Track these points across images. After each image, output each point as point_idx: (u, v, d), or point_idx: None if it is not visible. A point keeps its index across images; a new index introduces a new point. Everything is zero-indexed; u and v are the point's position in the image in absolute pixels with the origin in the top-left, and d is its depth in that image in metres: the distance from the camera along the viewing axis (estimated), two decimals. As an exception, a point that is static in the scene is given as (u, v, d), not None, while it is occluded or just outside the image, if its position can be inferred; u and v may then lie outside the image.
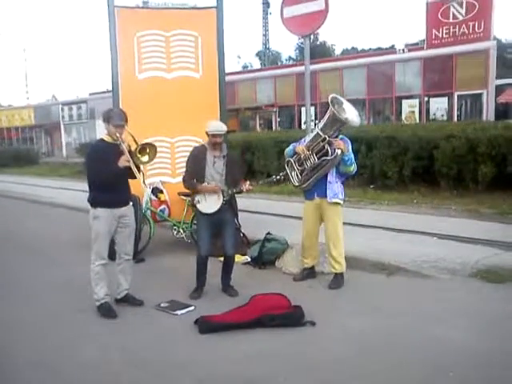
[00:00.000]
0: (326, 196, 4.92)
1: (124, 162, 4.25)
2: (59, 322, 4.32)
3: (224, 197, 4.75)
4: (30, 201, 12.95)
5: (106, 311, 4.40)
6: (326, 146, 4.72)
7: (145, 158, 4.38)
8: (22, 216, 10.81)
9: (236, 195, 5.00)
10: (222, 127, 4.78)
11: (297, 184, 5.09)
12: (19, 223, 9.66)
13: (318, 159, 4.79)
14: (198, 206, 4.80)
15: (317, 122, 20.96)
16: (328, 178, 4.91)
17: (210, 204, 4.76)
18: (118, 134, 4.31)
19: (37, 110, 37.51)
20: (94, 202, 4.39)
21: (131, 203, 6.32)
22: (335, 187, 4.93)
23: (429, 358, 3.43)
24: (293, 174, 5.09)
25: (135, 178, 4.42)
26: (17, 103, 55.25)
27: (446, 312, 4.23)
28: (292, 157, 5.09)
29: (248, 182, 4.84)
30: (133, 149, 4.37)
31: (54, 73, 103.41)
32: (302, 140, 5.16)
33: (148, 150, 4.38)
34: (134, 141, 4.44)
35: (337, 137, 4.81)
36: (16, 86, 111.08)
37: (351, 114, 4.73)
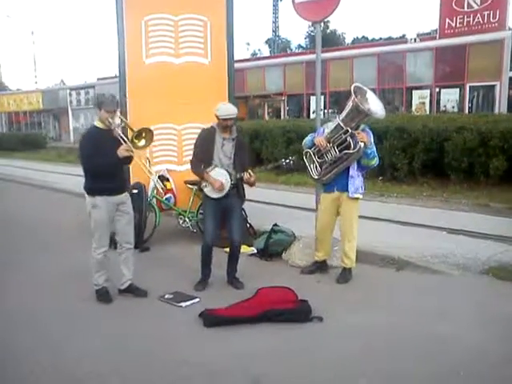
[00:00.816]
0: (346, 190, 4.75)
1: (124, 151, 4.16)
2: (60, 311, 4.26)
3: (231, 180, 4.62)
4: (37, 186, 12.91)
5: (102, 296, 4.45)
6: (349, 139, 4.54)
7: (141, 143, 4.28)
8: (27, 201, 10.77)
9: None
10: (234, 111, 4.61)
11: (316, 177, 4.89)
12: (22, 208, 9.63)
13: (340, 152, 4.60)
14: (205, 189, 4.69)
15: (325, 111, 20.81)
16: (350, 173, 4.72)
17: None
18: (110, 120, 4.21)
19: (45, 94, 37.42)
20: (91, 190, 4.32)
21: (136, 190, 6.34)
22: (357, 182, 4.77)
23: (438, 356, 3.34)
24: (312, 166, 4.89)
25: (129, 163, 4.36)
26: (25, 87, 55.35)
27: (456, 309, 4.13)
28: (311, 148, 4.88)
29: (249, 171, 4.60)
30: (129, 136, 4.27)
31: (63, 57, 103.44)
32: (321, 130, 4.95)
33: (144, 135, 4.27)
34: (128, 126, 4.34)
35: (358, 127, 4.61)
36: (24, 69, 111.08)
37: (375, 106, 4.52)
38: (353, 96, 4.42)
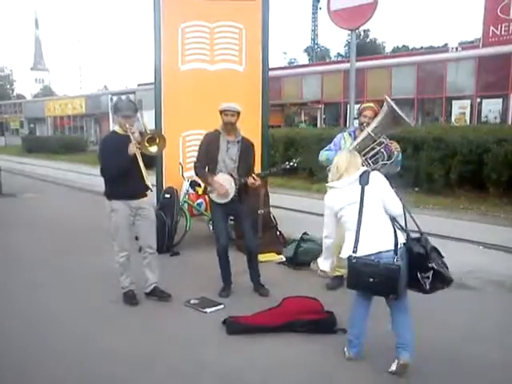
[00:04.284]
0: None
1: (132, 149, 4.17)
2: (90, 312, 4.34)
3: (236, 185, 4.58)
4: (76, 188, 13.26)
5: (128, 298, 4.51)
6: (382, 150, 4.48)
7: (153, 149, 4.27)
8: (66, 203, 11.05)
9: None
10: (234, 106, 4.55)
11: None
12: (59, 209, 9.88)
13: (374, 163, 4.50)
14: (210, 195, 4.68)
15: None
16: None
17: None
18: (127, 125, 4.24)
19: (87, 99, 38.56)
20: (109, 194, 4.38)
21: (168, 195, 6.42)
22: None
23: (468, 378, 3.22)
24: None
25: (150, 167, 4.39)
26: (71, 93, 57.21)
27: (490, 329, 3.97)
28: None
29: (253, 176, 4.54)
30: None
31: (107, 64, 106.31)
32: (337, 142, 4.84)
33: (158, 141, 4.28)
34: (146, 131, 4.36)
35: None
36: (71, 76, 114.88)
37: (404, 114, 4.46)
38: (390, 104, 4.32)
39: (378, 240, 3.15)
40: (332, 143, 4.88)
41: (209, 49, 6.59)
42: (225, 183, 4.57)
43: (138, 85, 35.90)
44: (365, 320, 3.42)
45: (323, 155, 4.83)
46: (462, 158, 9.49)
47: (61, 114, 41.24)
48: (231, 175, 4.60)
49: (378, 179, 3.25)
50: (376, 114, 4.60)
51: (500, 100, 17.95)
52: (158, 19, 6.43)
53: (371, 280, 3.06)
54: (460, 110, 18.77)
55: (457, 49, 21.23)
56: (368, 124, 4.58)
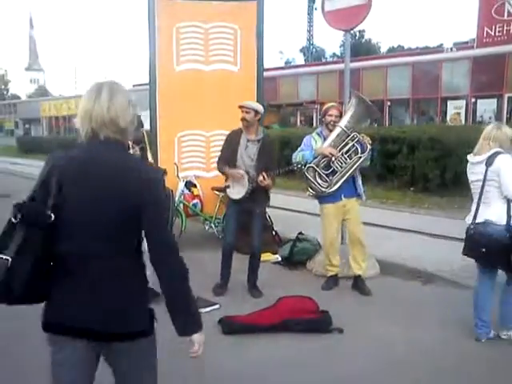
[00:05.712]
0: (353, 195, 4.79)
1: None
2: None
3: (250, 183, 4.58)
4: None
5: None
6: (356, 144, 4.59)
7: None
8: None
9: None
10: (251, 104, 4.61)
11: (324, 189, 4.69)
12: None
13: (350, 158, 4.62)
14: (227, 190, 4.73)
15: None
16: (356, 177, 4.78)
17: (236, 190, 4.66)
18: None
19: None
20: None
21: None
22: (360, 183, 4.83)
23: (465, 376, 3.23)
24: (317, 180, 4.70)
25: None
26: (67, 93, 57.10)
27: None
28: (311, 162, 4.71)
29: (264, 174, 4.47)
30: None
31: (103, 64, 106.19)
32: (307, 142, 4.85)
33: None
34: (146, 145, 4.53)
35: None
36: (66, 76, 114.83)
37: None
38: (363, 98, 4.50)
39: (492, 213, 3.53)
40: (302, 144, 4.90)
41: (203, 49, 6.57)
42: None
43: (133, 85, 35.81)
44: (488, 299, 3.73)
45: (299, 155, 4.78)
46: (457, 158, 9.50)
47: (56, 115, 41.08)
48: (247, 173, 4.60)
49: (501, 161, 3.48)
50: (340, 112, 4.75)
51: (494, 100, 18.01)
52: (153, 19, 6.40)
53: (483, 250, 3.47)
54: (455, 109, 18.82)
55: (451, 49, 21.30)
56: (335, 122, 4.68)
